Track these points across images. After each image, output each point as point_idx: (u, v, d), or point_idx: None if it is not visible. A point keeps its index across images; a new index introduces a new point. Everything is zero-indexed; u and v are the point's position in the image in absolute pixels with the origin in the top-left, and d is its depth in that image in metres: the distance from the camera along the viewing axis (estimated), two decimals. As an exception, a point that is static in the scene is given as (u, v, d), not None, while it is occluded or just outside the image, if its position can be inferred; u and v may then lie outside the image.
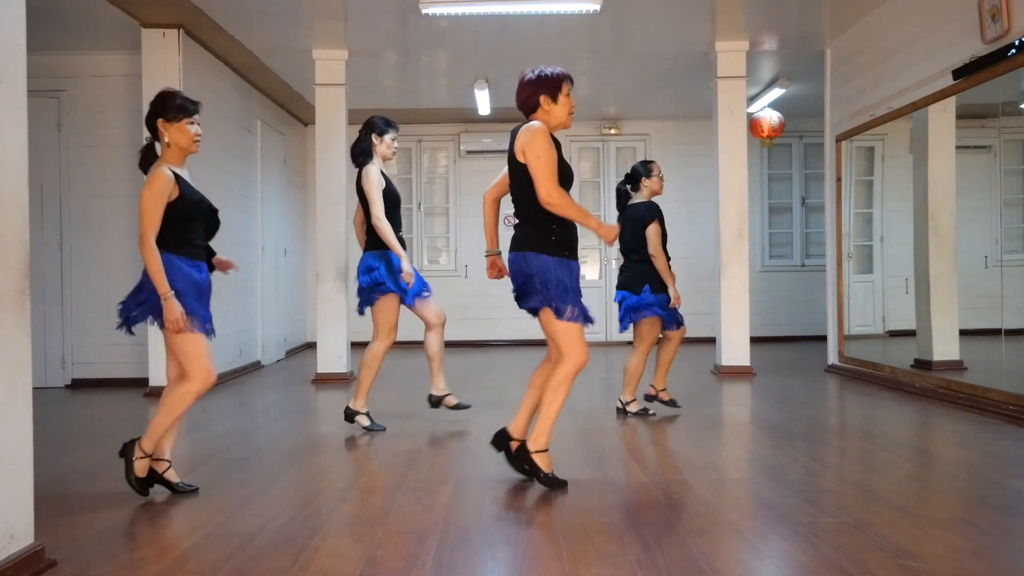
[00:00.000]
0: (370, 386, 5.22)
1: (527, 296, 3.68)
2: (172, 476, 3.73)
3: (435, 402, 5.44)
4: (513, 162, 3.67)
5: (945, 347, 6.44)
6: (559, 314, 3.62)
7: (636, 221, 5.38)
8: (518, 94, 3.74)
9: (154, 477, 3.70)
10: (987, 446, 4.55)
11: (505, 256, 3.90)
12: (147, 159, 3.67)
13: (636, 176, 5.55)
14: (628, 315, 5.45)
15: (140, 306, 3.55)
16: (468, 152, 11.34)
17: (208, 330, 3.61)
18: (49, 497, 3.56)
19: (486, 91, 9.17)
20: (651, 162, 5.61)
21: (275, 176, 9.83)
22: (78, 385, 7.62)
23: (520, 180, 3.65)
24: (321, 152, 7.89)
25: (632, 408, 5.60)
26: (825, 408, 6.20)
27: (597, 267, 11.56)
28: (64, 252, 7.63)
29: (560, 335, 3.67)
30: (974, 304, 6.38)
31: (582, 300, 3.71)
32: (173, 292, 3.45)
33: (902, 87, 6.57)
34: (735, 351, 7.74)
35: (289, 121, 10.68)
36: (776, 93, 9.24)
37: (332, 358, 7.85)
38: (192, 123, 3.60)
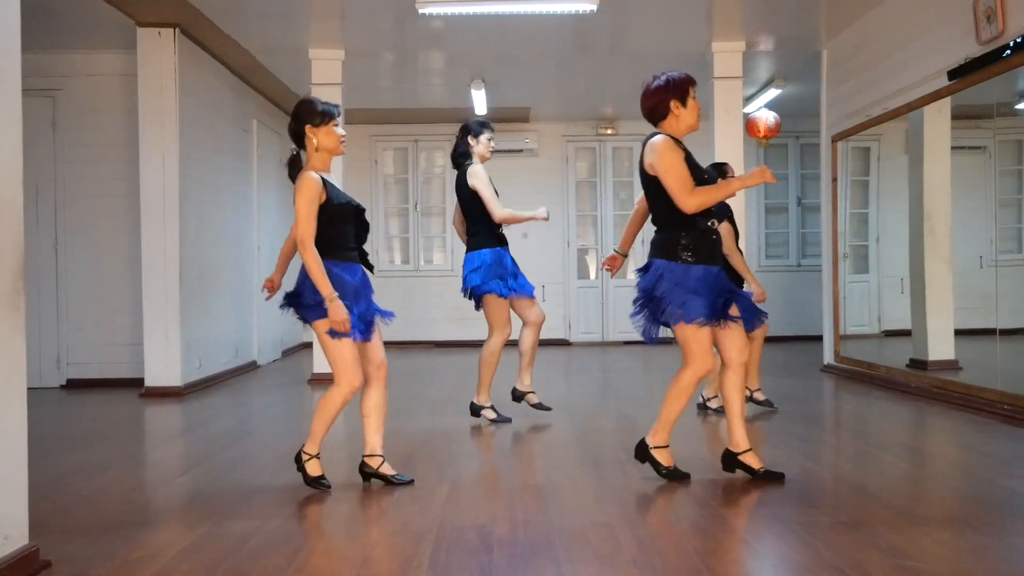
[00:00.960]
0: (491, 381, 5.34)
1: (653, 303, 3.64)
2: (387, 470, 3.78)
3: (518, 396, 5.47)
4: (644, 175, 3.69)
5: (940, 347, 6.45)
6: (685, 318, 3.57)
7: None
8: (644, 102, 3.73)
9: (369, 471, 3.77)
10: (982, 446, 4.56)
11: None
12: (294, 169, 3.73)
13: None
14: None
15: (303, 308, 3.60)
16: (464, 152, 11.31)
17: (359, 333, 3.61)
18: (44, 498, 3.55)
19: (483, 91, 9.16)
20: (724, 164, 5.62)
21: (271, 176, 9.81)
22: (73, 385, 7.59)
23: (652, 191, 3.68)
24: (317, 152, 7.86)
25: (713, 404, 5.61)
26: (821, 408, 6.20)
27: (594, 266, 11.57)
28: (59, 252, 7.61)
29: (687, 341, 3.62)
30: (969, 304, 6.39)
31: (718, 304, 3.60)
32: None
33: (898, 88, 6.58)
34: (731, 351, 7.72)
35: (286, 121, 10.58)
36: (772, 93, 9.25)
37: (328, 358, 7.82)
38: (337, 125, 3.69)
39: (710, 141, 7.94)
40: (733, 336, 3.66)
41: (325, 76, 7.86)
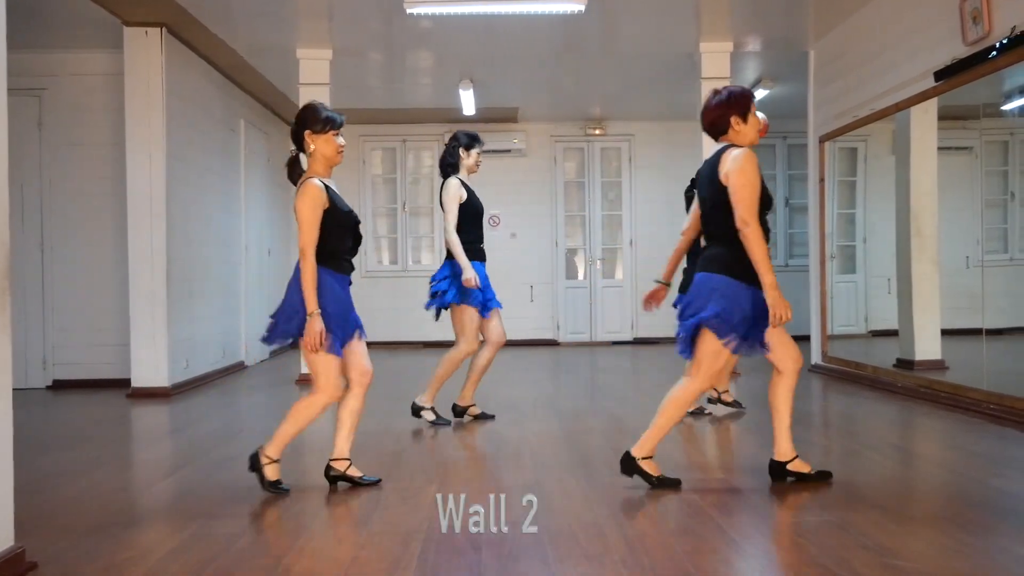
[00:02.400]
0: (441, 387, 5.36)
1: (694, 313, 3.57)
2: (354, 472, 3.76)
3: (460, 412, 5.48)
4: (714, 184, 3.57)
5: (927, 347, 6.48)
6: (719, 334, 3.49)
7: None
8: (705, 116, 3.67)
9: (336, 475, 3.75)
10: (969, 445, 4.58)
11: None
12: (294, 171, 3.74)
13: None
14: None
15: (290, 320, 3.57)
16: (453, 152, 11.30)
17: (338, 350, 3.59)
18: (30, 499, 3.52)
19: (471, 91, 9.16)
20: None
21: (259, 176, 9.78)
22: (59, 386, 7.54)
23: (718, 203, 3.57)
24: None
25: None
26: (809, 408, 6.22)
27: (583, 268, 11.58)
28: (45, 251, 7.56)
29: (708, 356, 3.56)
30: (956, 304, 6.41)
31: (750, 331, 3.54)
32: (320, 310, 3.48)
33: (885, 89, 6.61)
34: (719, 351, 7.74)
35: (273, 121, 10.63)
36: (760, 94, 9.27)
37: (316, 359, 7.80)
38: (338, 135, 3.68)
39: (698, 142, 7.96)
40: (787, 344, 3.62)
41: (313, 76, 7.84)
